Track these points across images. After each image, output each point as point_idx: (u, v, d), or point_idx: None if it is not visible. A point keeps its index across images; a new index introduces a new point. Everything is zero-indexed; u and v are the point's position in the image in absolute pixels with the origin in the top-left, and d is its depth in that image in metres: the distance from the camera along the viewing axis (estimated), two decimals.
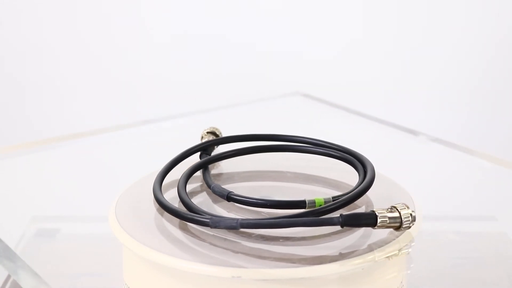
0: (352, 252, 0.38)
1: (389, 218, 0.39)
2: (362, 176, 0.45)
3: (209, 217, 0.40)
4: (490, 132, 1.14)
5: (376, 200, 0.45)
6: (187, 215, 0.41)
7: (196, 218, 0.40)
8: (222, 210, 0.44)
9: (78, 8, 1.09)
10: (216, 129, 0.53)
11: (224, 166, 0.51)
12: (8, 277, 0.54)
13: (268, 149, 0.51)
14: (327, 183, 0.48)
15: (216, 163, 0.51)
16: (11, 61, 1.10)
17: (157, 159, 0.50)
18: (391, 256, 0.39)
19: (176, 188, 0.45)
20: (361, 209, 0.44)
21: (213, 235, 0.40)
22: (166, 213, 0.43)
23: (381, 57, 1.15)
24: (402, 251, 0.39)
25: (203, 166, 0.49)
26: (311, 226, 0.39)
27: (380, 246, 0.39)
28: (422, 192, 0.49)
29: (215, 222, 0.39)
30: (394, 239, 0.39)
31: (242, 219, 0.39)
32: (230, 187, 0.47)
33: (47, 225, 0.61)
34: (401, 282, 0.42)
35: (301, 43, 1.15)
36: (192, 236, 0.41)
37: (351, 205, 0.43)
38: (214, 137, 0.53)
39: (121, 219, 0.43)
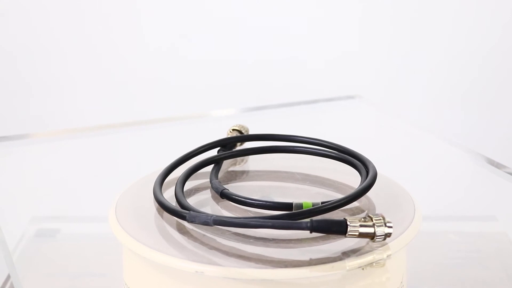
0: (323, 258, 0.38)
1: (361, 227, 0.38)
2: (363, 181, 0.45)
3: (188, 212, 0.41)
4: (491, 131, 1.14)
5: (376, 200, 0.45)
6: (170, 208, 0.42)
7: (177, 211, 0.42)
8: (218, 207, 0.44)
9: (86, 9, 1.09)
10: (242, 126, 0.53)
11: (242, 164, 0.52)
12: (8, 277, 0.54)
13: (273, 150, 0.51)
14: (334, 187, 0.47)
15: (236, 161, 0.52)
16: (16, 59, 1.10)
17: (160, 159, 0.50)
18: (365, 266, 0.38)
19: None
20: (363, 213, 0.43)
21: (211, 234, 0.41)
22: (166, 213, 0.43)
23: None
24: (377, 263, 0.38)
25: (205, 165, 0.49)
26: (279, 228, 0.39)
27: (356, 255, 0.38)
28: (422, 192, 0.49)
29: (192, 217, 0.40)
30: (371, 250, 0.38)
31: (216, 216, 0.40)
32: (235, 185, 0.47)
33: (47, 225, 0.62)
34: (401, 282, 0.42)
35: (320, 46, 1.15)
36: (190, 237, 0.41)
37: (349, 206, 0.43)
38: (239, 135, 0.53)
39: (121, 219, 0.43)
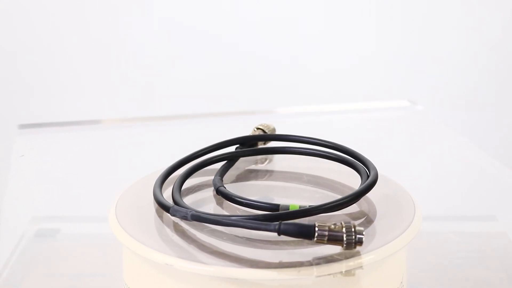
0: (293, 262, 0.37)
1: (329, 233, 0.37)
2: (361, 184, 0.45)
3: (172, 205, 0.42)
4: (491, 131, 1.14)
5: (376, 201, 0.45)
6: (159, 200, 0.43)
7: (163, 204, 0.43)
8: (217, 204, 0.45)
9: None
10: (268, 126, 0.53)
11: (265, 164, 0.52)
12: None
13: (276, 151, 0.52)
14: (340, 190, 0.47)
15: (257, 160, 0.52)
16: (16, 55, 1.09)
17: (170, 158, 0.50)
18: (336, 274, 0.38)
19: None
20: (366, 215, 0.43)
21: (212, 234, 0.41)
22: (165, 213, 0.43)
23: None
24: (347, 272, 0.38)
25: (210, 163, 0.49)
26: (248, 228, 0.39)
27: (326, 262, 0.37)
28: (422, 192, 0.49)
29: (174, 211, 0.41)
30: (341, 259, 0.38)
31: (195, 211, 0.40)
32: (243, 183, 0.48)
33: (47, 225, 0.62)
34: (401, 282, 0.42)
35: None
36: (189, 236, 0.41)
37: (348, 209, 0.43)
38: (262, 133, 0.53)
39: (121, 219, 0.43)
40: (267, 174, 0.51)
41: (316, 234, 0.37)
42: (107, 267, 0.53)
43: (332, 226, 0.38)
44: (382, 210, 0.44)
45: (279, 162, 0.52)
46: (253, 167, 0.51)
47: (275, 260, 0.38)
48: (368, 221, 0.42)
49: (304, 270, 0.37)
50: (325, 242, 0.38)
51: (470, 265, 0.54)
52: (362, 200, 0.44)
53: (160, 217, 0.43)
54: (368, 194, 0.44)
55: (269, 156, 0.53)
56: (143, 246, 0.40)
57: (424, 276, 0.52)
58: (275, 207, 0.42)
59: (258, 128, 0.53)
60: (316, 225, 0.38)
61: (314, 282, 0.38)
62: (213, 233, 0.41)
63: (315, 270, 0.37)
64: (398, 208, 0.44)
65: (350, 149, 0.49)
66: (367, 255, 0.38)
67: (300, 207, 0.41)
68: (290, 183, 0.49)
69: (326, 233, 0.37)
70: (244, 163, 0.52)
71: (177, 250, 0.39)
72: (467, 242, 0.58)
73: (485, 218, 0.62)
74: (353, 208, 0.44)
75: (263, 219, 0.40)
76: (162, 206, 0.43)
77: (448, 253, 0.56)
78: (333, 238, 0.37)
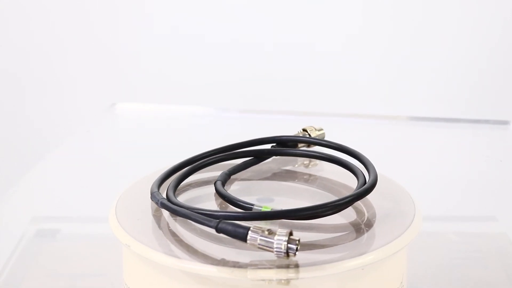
0: (232, 262, 0.38)
1: (260, 240, 0.37)
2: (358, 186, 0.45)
3: (154, 191, 0.44)
4: (490, 131, 1.14)
5: (375, 200, 0.45)
6: (152, 186, 0.45)
7: (151, 189, 0.45)
8: (213, 200, 0.46)
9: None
10: (313, 128, 0.53)
11: (310, 166, 0.52)
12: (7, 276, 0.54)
13: (278, 153, 0.52)
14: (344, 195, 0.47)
15: (296, 161, 0.52)
16: (15, 56, 1.09)
17: (170, 157, 0.50)
18: (270, 281, 0.37)
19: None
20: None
21: (213, 234, 0.41)
22: (166, 213, 0.43)
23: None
24: (278, 281, 0.37)
25: (216, 162, 0.50)
26: (195, 222, 0.40)
27: (261, 267, 0.37)
28: (422, 192, 0.49)
29: (152, 197, 0.44)
30: (271, 267, 0.37)
31: (166, 200, 0.43)
32: (255, 182, 0.49)
33: (47, 225, 0.62)
34: (401, 282, 0.42)
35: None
36: (191, 236, 0.41)
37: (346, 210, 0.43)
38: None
39: (121, 219, 0.43)
40: (291, 175, 0.51)
41: (248, 237, 0.37)
42: (107, 267, 0.53)
43: (267, 232, 0.37)
44: (382, 210, 0.44)
45: (314, 166, 0.52)
46: (287, 167, 0.51)
47: (218, 257, 0.38)
48: (368, 222, 0.43)
49: (237, 271, 0.37)
50: (257, 246, 0.37)
51: (470, 265, 0.54)
52: (362, 200, 0.44)
53: (160, 216, 0.43)
54: (369, 195, 0.44)
55: (313, 159, 0.52)
56: (143, 246, 0.40)
57: (424, 276, 0.52)
58: (249, 207, 0.42)
59: (304, 130, 0.53)
60: (251, 228, 0.37)
61: (253, 285, 0.38)
62: (201, 231, 0.41)
63: (248, 273, 0.37)
64: (398, 208, 0.44)
65: (367, 159, 0.48)
66: (367, 255, 0.38)
67: (271, 209, 0.41)
68: (304, 185, 0.49)
69: (258, 238, 0.37)
70: (279, 163, 0.51)
71: (184, 251, 0.39)
72: (467, 242, 0.58)
73: (485, 218, 0.62)
74: (353, 208, 0.44)
75: (210, 215, 0.40)
76: (151, 192, 0.44)
77: (448, 253, 0.56)
78: (264, 244, 0.37)
